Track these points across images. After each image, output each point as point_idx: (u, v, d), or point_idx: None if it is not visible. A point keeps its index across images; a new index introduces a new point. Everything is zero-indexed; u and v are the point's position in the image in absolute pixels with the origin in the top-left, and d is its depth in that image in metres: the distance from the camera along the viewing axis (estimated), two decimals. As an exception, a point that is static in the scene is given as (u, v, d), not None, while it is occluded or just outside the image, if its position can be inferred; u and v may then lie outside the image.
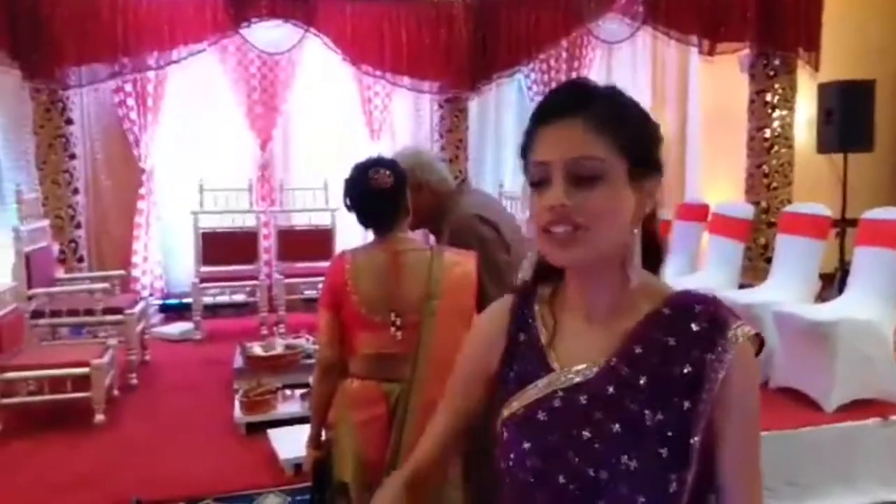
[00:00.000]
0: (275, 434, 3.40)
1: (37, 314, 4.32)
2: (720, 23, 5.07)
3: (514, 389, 1.00)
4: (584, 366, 0.96)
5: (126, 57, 5.55)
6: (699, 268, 5.45)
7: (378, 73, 6.05)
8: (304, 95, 6.40)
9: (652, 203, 0.97)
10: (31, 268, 4.40)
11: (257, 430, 3.54)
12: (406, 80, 6.11)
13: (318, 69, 6.29)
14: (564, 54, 6.77)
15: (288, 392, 3.90)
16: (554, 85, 6.87)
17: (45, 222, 5.01)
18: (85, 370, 3.73)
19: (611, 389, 0.93)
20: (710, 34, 5.16)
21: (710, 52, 5.23)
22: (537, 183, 0.94)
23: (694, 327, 0.93)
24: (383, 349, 2.08)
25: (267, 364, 4.18)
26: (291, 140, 6.54)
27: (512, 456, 0.97)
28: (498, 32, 5.99)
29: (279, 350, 4.31)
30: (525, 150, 0.98)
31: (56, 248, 5.31)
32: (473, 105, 6.55)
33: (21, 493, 3.08)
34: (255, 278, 5.72)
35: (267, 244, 6.08)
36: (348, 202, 2.15)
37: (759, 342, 0.96)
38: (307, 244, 5.89)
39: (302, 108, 6.47)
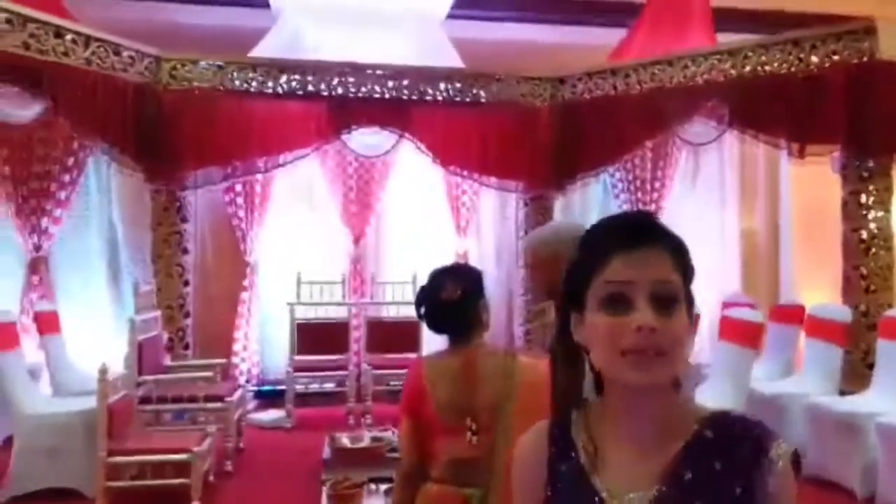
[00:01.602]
0: (360, 529, 3.45)
1: (144, 400, 4.61)
2: (809, 125, 5.05)
3: None
4: (634, 495, 0.98)
5: (238, 161, 6.05)
6: (795, 372, 5.26)
7: (466, 173, 6.32)
8: (397, 194, 6.76)
9: (694, 331, 1.05)
10: (142, 355, 4.74)
11: (343, 524, 3.61)
12: (493, 179, 6.35)
13: (409, 170, 6.64)
14: (650, 154, 6.88)
15: (373, 486, 3.95)
16: (639, 183, 6.98)
17: (157, 313, 5.39)
18: (185, 457, 3.92)
19: None
20: (799, 137, 5.15)
21: (800, 155, 5.21)
22: (614, 303, 0.97)
23: (738, 450, 0.97)
24: (461, 454, 2.09)
25: (354, 456, 4.27)
26: (383, 235, 6.87)
27: None
28: (583, 134, 6.16)
29: (366, 442, 4.41)
30: (588, 271, 1.01)
31: (165, 336, 5.68)
32: (558, 203, 6.69)
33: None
34: (345, 368, 5.91)
35: (357, 335, 6.29)
36: (420, 312, 2.22)
37: (797, 459, 0.99)
38: (395, 336, 6.06)
39: (394, 206, 6.81)
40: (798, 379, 5.00)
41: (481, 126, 6.23)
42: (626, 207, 6.92)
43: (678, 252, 1.01)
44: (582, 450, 1.04)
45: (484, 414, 2.11)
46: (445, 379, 2.16)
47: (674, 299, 0.97)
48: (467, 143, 6.23)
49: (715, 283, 6.98)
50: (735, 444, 0.98)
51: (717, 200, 7.26)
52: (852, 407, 4.22)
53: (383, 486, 3.92)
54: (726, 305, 5.64)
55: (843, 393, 4.68)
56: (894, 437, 3.79)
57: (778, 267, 7.02)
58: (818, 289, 6.40)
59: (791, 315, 5.47)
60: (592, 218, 6.15)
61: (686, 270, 1.01)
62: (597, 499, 0.99)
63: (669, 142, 6.69)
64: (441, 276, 2.23)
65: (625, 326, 0.95)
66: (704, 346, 6.26)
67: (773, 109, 5.17)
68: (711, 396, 4.38)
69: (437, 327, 2.25)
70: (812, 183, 6.39)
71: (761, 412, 4.73)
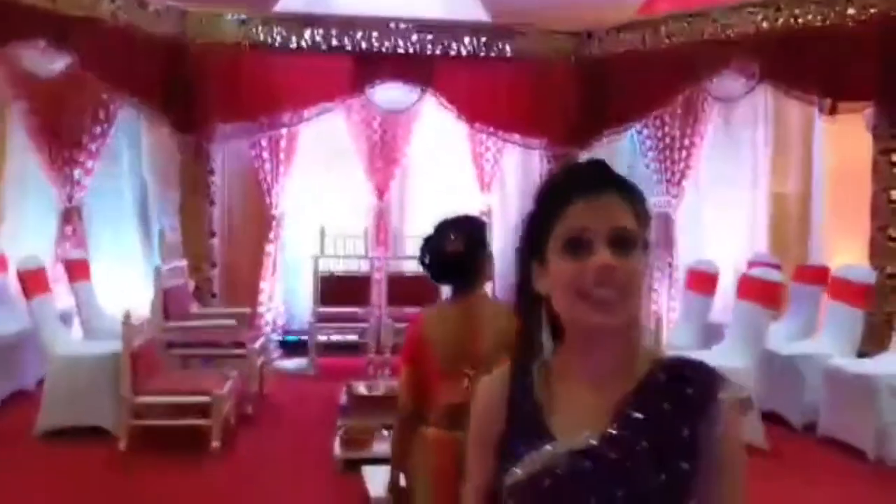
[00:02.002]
0: (368, 472, 3.56)
1: (171, 344, 4.79)
2: (841, 81, 4.89)
3: (517, 457, 1.03)
4: (586, 433, 1.00)
5: (263, 115, 6.12)
6: (816, 333, 5.20)
7: (490, 129, 6.28)
8: (421, 149, 6.75)
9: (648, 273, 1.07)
10: (168, 302, 4.90)
11: (355, 466, 3.72)
12: (517, 136, 6.31)
13: (434, 125, 6.62)
14: (679, 110, 6.74)
15: (385, 432, 4.07)
16: (669, 140, 6.85)
17: (183, 262, 5.55)
18: (206, 399, 4.08)
19: (613, 455, 0.98)
20: (831, 93, 4.99)
21: (832, 112, 5.06)
22: (575, 248, 1.00)
23: (688, 392, 1.00)
24: (458, 400, 2.13)
25: (369, 403, 4.39)
26: (407, 191, 6.90)
27: None
28: (609, 90, 6.07)
29: (381, 391, 4.52)
30: (547, 219, 1.04)
31: (192, 285, 5.85)
32: (584, 159, 6.61)
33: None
34: (366, 320, 6.02)
35: (379, 289, 6.39)
36: (423, 262, 2.27)
37: (747, 404, 1.02)
38: (416, 290, 6.12)
39: (418, 161, 6.82)
40: (817, 340, 4.94)
41: (506, 81, 6.17)
42: (654, 166, 6.82)
43: (635, 199, 1.04)
44: (539, 390, 1.07)
45: (482, 361, 2.16)
46: (445, 328, 2.22)
47: (631, 243, 1.00)
48: (492, 99, 6.20)
49: (743, 243, 6.89)
50: (685, 387, 1.00)
51: (748, 159, 7.10)
52: (868, 368, 4.17)
53: (394, 433, 4.04)
54: (751, 266, 5.57)
55: (861, 355, 4.62)
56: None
57: (808, 228, 6.87)
58: (848, 251, 6.26)
59: (815, 276, 5.39)
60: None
61: (642, 216, 1.04)
62: (548, 435, 1.02)
63: (700, 98, 6.54)
64: (445, 229, 2.26)
65: (585, 269, 0.98)
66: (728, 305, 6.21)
67: (806, 64, 5.02)
68: (726, 355, 4.38)
69: (440, 278, 2.29)
70: (847, 142, 6.21)
71: (777, 372, 4.71)
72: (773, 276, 4.50)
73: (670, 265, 6.83)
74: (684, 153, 6.80)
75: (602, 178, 1.03)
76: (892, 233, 4.94)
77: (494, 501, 1.09)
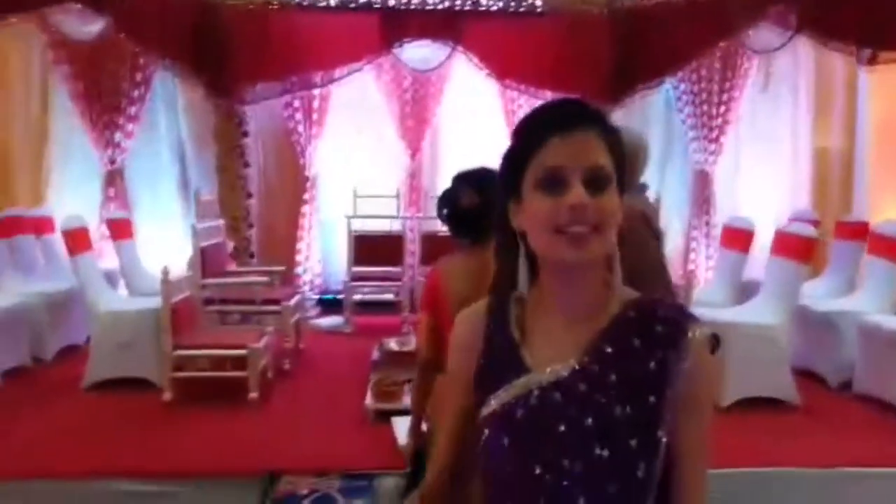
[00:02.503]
0: (397, 422, 3.66)
1: (208, 301, 4.95)
2: (881, 30, 4.72)
3: (492, 389, 1.08)
4: (558, 366, 1.04)
5: (295, 76, 6.17)
6: (856, 289, 5.11)
7: (521, 86, 6.23)
8: (452, 108, 6.74)
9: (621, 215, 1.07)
10: (206, 261, 5.05)
11: (385, 417, 3.83)
12: (548, 93, 6.24)
13: (465, 84, 6.60)
14: (717, 64, 6.57)
15: (415, 385, 4.17)
16: (706, 95, 6.70)
17: (220, 222, 5.69)
18: (242, 352, 4.23)
19: (583, 387, 1.01)
20: (871, 42, 4.82)
21: (871, 62, 4.89)
22: (550, 185, 1.02)
23: (658, 329, 1.02)
24: None
25: (399, 358, 4.50)
26: (439, 150, 6.91)
27: (492, 452, 1.04)
28: (642, 44, 5.95)
29: (412, 347, 4.61)
30: (523, 156, 1.06)
31: (230, 245, 6.01)
32: (618, 116, 6.52)
33: (184, 454, 3.59)
34: (400, 279, 6.11)
35: (412, 248, 6.46)
36: (442, 216, 2.32)
37: (715, 341, 1.04)
38: (449, 249, 6.14)
39: (449, 121, 6.81)
40: (856, 297, 4.86)
41: (537, 37, 6.09)
42: (690, 122, 6.70)
43: (611, 137, 1.05)
44: (514, 324, 1.11)
45: None
46: (461, 278, 2.25)
47: (606, 180, 1.02)
48: (522, 55, 6.13)
49: (785, 200, 6.75)
50: (655, 324, 1.03)
51: (789, 113, 6.90)
52: (899, 324, 4.11)
53: (424, 386, 4.14)
54: (791, 222, 5.47)
55: (899, 311, 4.54)
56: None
57: (852, 184, 6.69)
58: (893, 207, 6.10)
59: (856, 232, 5.27)
60: (654, 133, 5.96)
61: (618, 155, 1.05)
62: (522, 367, 1.06)
63: (738, 51, 6.37)
64: (462, 182, 2.29)
65: (560, 205, 1.00)
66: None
67: (844, 13, 4.85)
68: (759, 311, 4.35)
69: (457, 231, 2.33)
70: (890, 96, 6.01)
71: (812, 330, 4.66)
72: (808, 231, 4.42)
73: (707, 223, 6.75)
74: (722, 108, 6.65)
75: (578, 116, 1.05)
76: (937, 186, 4.79)
77: (469, 433, 1.13)
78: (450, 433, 1.17)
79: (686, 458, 1.03)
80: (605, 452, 0.97)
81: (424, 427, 2.41)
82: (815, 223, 5.31)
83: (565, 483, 0.98)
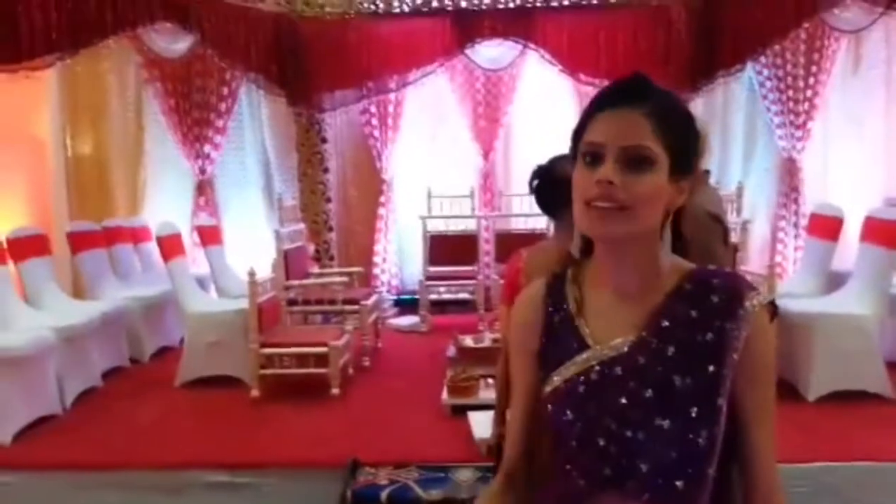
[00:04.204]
0: (474, 416, 3.72)
1: (292, 302, 5.15)
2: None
3: (554, 366, 1.11)
4: (618, 341, 1.07)
5: (370, 81, 6.34)
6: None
7: (595, 81, 6.17)
8: (525, 108, 6.75)
9: (683, 198, 1.09)
10: (289, 263, 5.26)
11: (461, 412, 3.89)
12: (623, 86, 6.15)
13: (537, 82, 6.59)
14: (803, 46, 6.31)
15: (490, 381, 4.20)
16: (791, 80, 6.44)
17: (302, 226, 5.91)
18: (324, 350, 4.38)
19: (642, 360, 1.04)
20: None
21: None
22: (590, 160, 1.05)
23: (714, 299, 1.04)
24: None
25: (475, 354, 4.54)
26: (512, 150, 6.93)
27: (557, 427, 1.08)
28: (720, 30, 5.79)
29: (487, 343, 4.66)
30: (580, 130, 1.09)
31: (312, 248, 6.22)
32: (699, 105, 6.35)
33: (269, 447, 3.75)
34: (475, 278, 6.16)
35: (487, 247, 6.50)
36: (532, 186, 2.28)
37: (773, 308, 1.05)
38: (523, 247, 6.17)
39: (522, 120, 6.82)
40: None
41: (609, 29, 6.04)
42: (775, 108, 6.46)
43: (663, 117, 1.05)
44: (572, 301, 1.14)
45: None
46: (542, 270, 2.25)
47: (644, 161, 1.02)
48: (595, 49, 6.09)
49: (877, 186, 6.41)
50: (711, 294, 1.04)
51: (881, 96, 6.54)
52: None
53: (500, 381, 4.16)
54: (883, 208, 5.20)
55: None
56: None
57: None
58: None
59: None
60: (737, 120, 5.79)
61: (675, 138, 1.05)
62: (582, 343, 1.10)
63: (822, 32, 6.10)
64: (560, 157, 2.29)
65: (592, 179, 1.03)
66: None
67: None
68: (848, 301, 4.16)
69: (545, 205, 2.32)
70: None
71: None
72: (899, 215, 4.20)
73: (796, 213, 6.49)
74: (809, 92, 6.38)
75: (629, 94, 1.05)
76: None
77: (536, 417, 1.17)
78: (521, 410, 1.20)
79: (753, 423, 1.05)
80: (666, 422, 1.00)
81: (509, 416, 2.43)
82: (910, 209, 5.02)
83: (628, 453, 1.01)
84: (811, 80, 6.36)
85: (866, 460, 3.31)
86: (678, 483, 0.99)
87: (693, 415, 0.99)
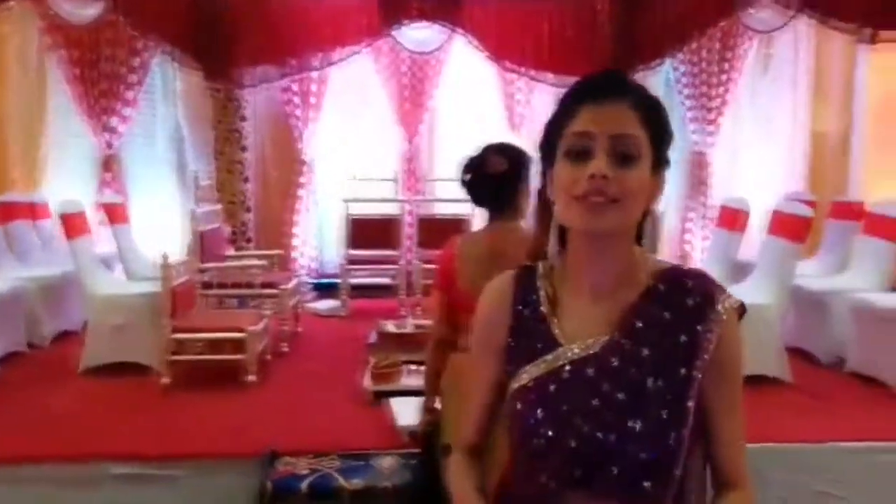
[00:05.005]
0: (395, 403, 3.69)
1: (207, 285, 4.96)
2: (883, 7, 4.70)
3: (523, 362, 1.09)
4: (590, 340, 1.05)
5: (293, 59, 6.15)
6: (848, 269, 5.12)
7: (520, 69, 6.21)
8: (450, 92, 6.72)
9: (661, 192, 1.09)
10: (205, 245, 5.06)
11: (382, 398, 3.83)
12: (549, 75, 6.22)
13: (463, 67, 6.57)
14: (717, 44, 6.54)
15: (412, 367, 4.17)
16: (705, 76, 6.67)
17: (218, 206, 5.69)
18: (240, 335, 4.24)
19: (616, 361, 1.03)
20: (872, 20, 4.80)
21: (872, 41, 4.88)
22: (576, 154, 1.02)
23: (689, 302, 1.04)
24: None
25: (397, 340, 4.52)
26: (436, 134, 6.90)
27: (524, 425, 1.05)
28: (642, 25, 5.94)
29: (409, 329, 4.64)
30: (559, 124, 1.06)
31: (228, 229, 6.01)
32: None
33: (182, 437, 3.59)
34: (397, 263, 6.12)
35: (409, 231, 6.46)
36: (464, 179, 2.28)
37: (742, 309, 1.06)
38: (445, 232, 6.04)
39: (447, 104, 6.80)
40: (848, 276, 4.87)
41: (536, 18, 6.07)
42: (689, 102, 6.69)
43: (647, 109, 1.04)
44: (543, 297, 1.11)
45: None
46: (475, 260, 2.23)
47: (633, 154, 1.01)
48: (521, 37, 6.12)
49: (781, 181, 6.75)
50: (685, 296, 1.04)
51: (788, 94, 6.89)
52: (893, 302, 4.12)
53: (422, 368, 4.13)
54: (787, 202, 5.47)
55: (894, 290, 4.56)
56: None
57: (848, 165, 6.69)
58: (888, 188, 6.11)
59: (850, 212, 5.27)
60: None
61: (656, 130, 1.04)
62: (553, 341, 1.08)
63: (738, 31, 6.34)
64: (491, 150, 2.27)
65: (582, 174, 1.01)
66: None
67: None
68: (753, 291, 4.35)
69: (477, 198, 2.31)
70: (890, 76, 6.00)
71: (805, 309, 4.67)
72: (803, 210, 4.43)
73: (704, 204, 6.75)
74: (721, 89, 6.64)
75: (611, 86, 1.04)
76: (933, 166, 4.79)
77: (497, 406, 1.16)
78: (480, 405, 1.18)
79: (723, 417, 1.06)
80: (638, 425, 0.99)
81: (438, 405, 2.41)
82: (811, 204, 5.31)
83: (599, 455, 1.00)
84: (724, 77, 6.61)
85: (768, 441, 3.49)
86: (646, 484, 0.99)
87: (664, 416, 1.00)
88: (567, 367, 1.05)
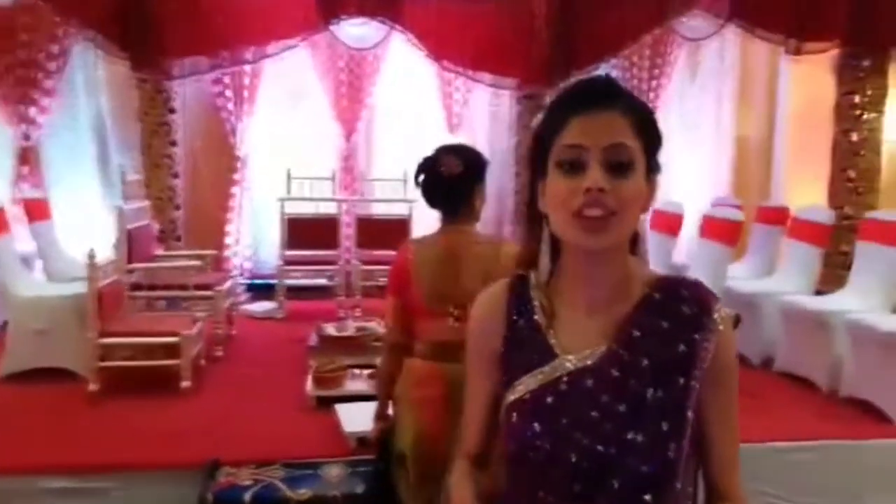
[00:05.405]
0: (341, 409, 3.60)
1: (136, 287, 4.73)
2: (808, 20, 4.93)
3: (518, 373, 1.06)
4: (587, 352, 1.04)
5: (225, 50, 5.94)
6: (775, 272, 5.35)
7: (459, 69, 6.19)
8: (388, 90, 6.64)
9: (654, 198, 1.08)
10: (133, 244, 4.81)
11: (326, 404, 3.74)
12: (487, 76, 6.23)
13: (402, 65, 6.50)
14: (648, 51, 6.71)
15: (357, 371, 4.10)
16: (636, 83, 6.84)
17: (146, 203, 5.44)
18: (174, 339, 4.06)
19: (615, 372, 1.01)
20: (797, 32, 5.03)
21: (797, 52, 5.10)
22: (569, 166, 1.00)
23: (685, 311, 1.03)
24: (443, 337, 2.17)
25: (339, 344, 4.42)
26: (374, 132, 6.81)
27: (521, 438, 1.03)
28: (579, 29, 6.00)
29: (351, 332, 4.55)
30: (548, 135, 1.03)
31: (156, 227, 5.75)
32: (548, 100, 6.56)
33: (113, 447, 3.40)
34: (335, 263, 6.01)
35: (347, 231, 6.36)
36: (417, 182, 2.25)
37: (737, 320, 1.09)
38: (385, 233, 6.09)
39: (385, 102, 6.72)
40: (776, 278, 5.08)
41: (474, 19, 6.06)
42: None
43: (639, 118, 1.02)
44: (538, 308, 1.09)
45: (466, 300, 2.16)
46: (430, 265, 2.21)
47: (628, 163, 0.99)
48: (460, 37, 6.09)
49: (708, 186, 6.99)
50: (681, 305, 1.03)
51: (714, 101, 7.15)
52: (824, 305, 4.31)
53: (367, 371, 4.06)
54: (716, 207, 5.67)
55: (819, 293, 4.78)
56: (862, 333, 3.89)
57: (770, 170, 7.00)
58: (809, 193, 6.41)
59: (775, 216, 5.50)
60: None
61: (648, 137, 1.03)
62: (549, 352, 1.05)
63: (668, 39, 6.53)
64: (446, 151, 2.24)
65: (577, 188, 0.98)
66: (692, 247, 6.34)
67: (774, 3, 5.01)
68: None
69: (431, 200, 2.27)
70: (811, 86, 6.30)
71: (736, 309, 4.82)
72: (735, 215, 4.60)
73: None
74: (651, 95, 6.80)
75: (601, 94, 1.02)
76: (852, 174, 5.05)
77: (496, 415, 1.13)
78: (477, 415, 1.16)
79: (717, 424, 1.06)
80: (639, 437, 0.98)
81: (391, 410, 2.37)
82: (738, 208, 5.52)
83: (600, 468, 0.98)
84: (654, 84, 6.79)
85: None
86: (647, 497, 0.98)
87: (664, 428, 0.98)
88: (565, 379, 1.03)
